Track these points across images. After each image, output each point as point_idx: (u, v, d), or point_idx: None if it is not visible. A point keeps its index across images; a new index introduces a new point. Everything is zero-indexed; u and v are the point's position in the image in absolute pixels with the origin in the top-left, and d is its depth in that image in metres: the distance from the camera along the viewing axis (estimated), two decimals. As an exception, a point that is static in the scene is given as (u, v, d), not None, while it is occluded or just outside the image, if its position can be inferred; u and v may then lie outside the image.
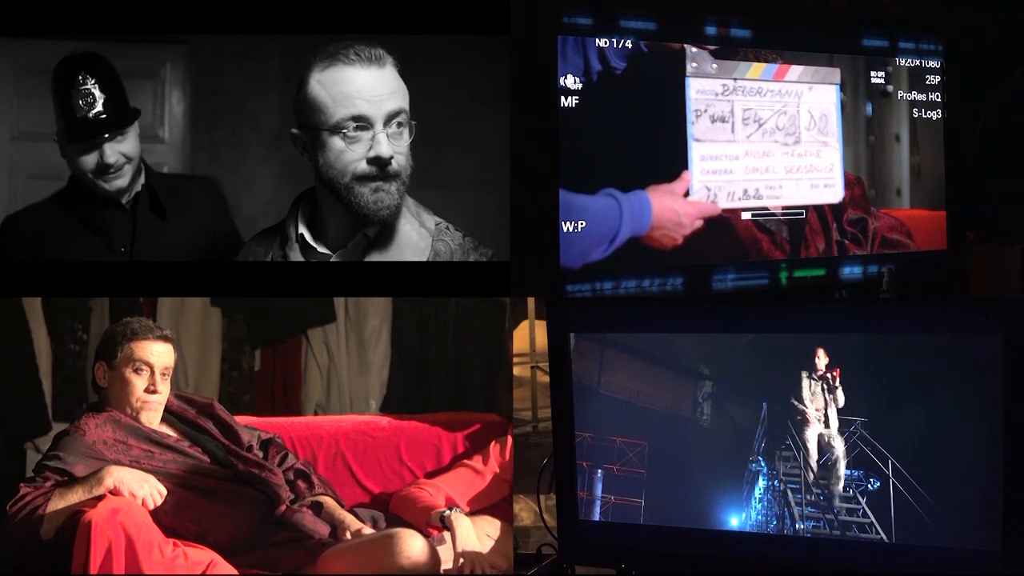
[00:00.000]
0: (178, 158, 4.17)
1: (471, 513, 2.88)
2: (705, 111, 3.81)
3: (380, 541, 2.52)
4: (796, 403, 2.43)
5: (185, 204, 2.96)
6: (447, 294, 2.96)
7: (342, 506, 2.82)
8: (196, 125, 4.26)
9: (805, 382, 2.41)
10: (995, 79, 4.26)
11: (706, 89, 3.80)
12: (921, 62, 4.36)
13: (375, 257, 2.53)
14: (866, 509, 2.38)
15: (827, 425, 2.42)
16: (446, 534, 2.70)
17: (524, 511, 3.18)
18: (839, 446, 2.40)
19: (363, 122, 2.41)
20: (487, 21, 3.06)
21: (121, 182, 2.83)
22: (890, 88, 4.28)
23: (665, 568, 2.59)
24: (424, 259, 2.54)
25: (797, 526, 2.44)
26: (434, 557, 2.50)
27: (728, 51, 3.86)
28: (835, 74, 4.13)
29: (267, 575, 2.59)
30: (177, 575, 2.42)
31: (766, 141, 3.96)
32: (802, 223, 4.05)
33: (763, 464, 2.46)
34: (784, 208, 4.00)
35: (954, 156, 4.41)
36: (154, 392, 2.69)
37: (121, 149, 2.80)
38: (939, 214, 4.43)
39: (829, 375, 2.41)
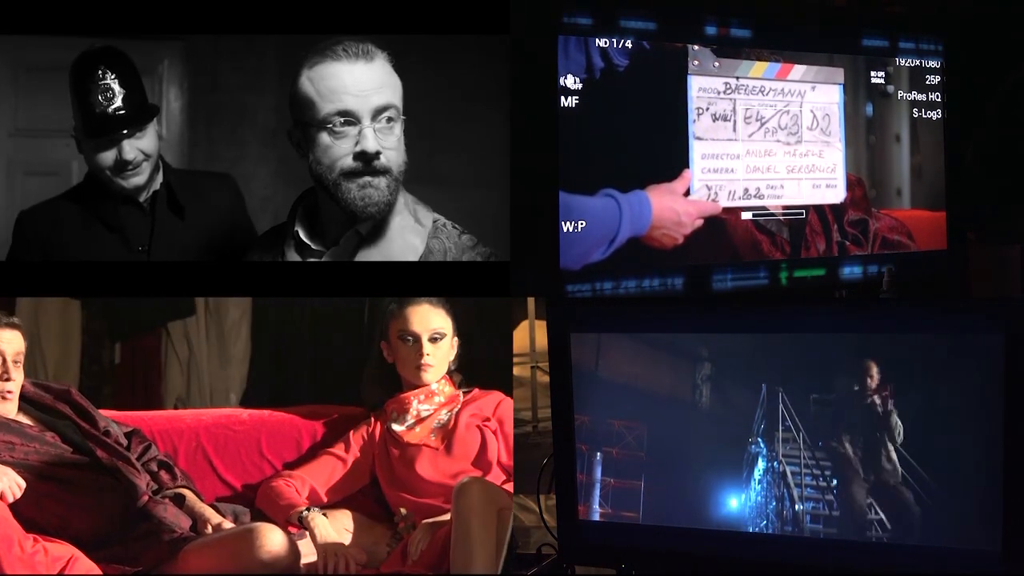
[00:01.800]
0: (175, 155, 4.17)
1: (330, 505, 2.92)
2: (707, 109, 3.80)
3: (240, 535, 2.54)
4: (836, 446, 2.41)
5: (203, 202, 2.95)
6: (447, 294, 2.95)
7: (202, 500, 2.83)
8: (193, 122, 4.26)
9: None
10: (995, 79, 4.25)
11: (708, 87, 3.80)
12: (921, 62, 4.36)
13: (367, 253, 2.53)
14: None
15: (888, 463, 2.39)
16: (306, 532, 2.73)
17: (524, 511, 3.18)
18: (911, 499, 2.37)
19: (349, 117, 2.41)
20: (487, 21, 3.06)
21: (139, 179, 2.82)
22: (890, 88, 4.28)
23: (665, 568, 2.60)
24: (417, 257, 2.54)
25: (797, 507, 2.44)
26: (293, 550, 2.52)
27: (730, 49, 3.86)
28: (838, 74, 4.13)
29: (128, 571, 2.58)
30: (37, 573, 2.41)
31: (768, 140, 3.95)
32: (803, 224, 4.04)
33: (762, 446, 2.47)
34: (785, 208, 3.99)
35: (954, 156, 4.40)
36: (8, 379, 2.68)
37: (140, 146, 2.79)
38: (939, 215, 4.42)
39: (878, 397, 2.39)
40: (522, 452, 3.09)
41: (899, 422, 2.35)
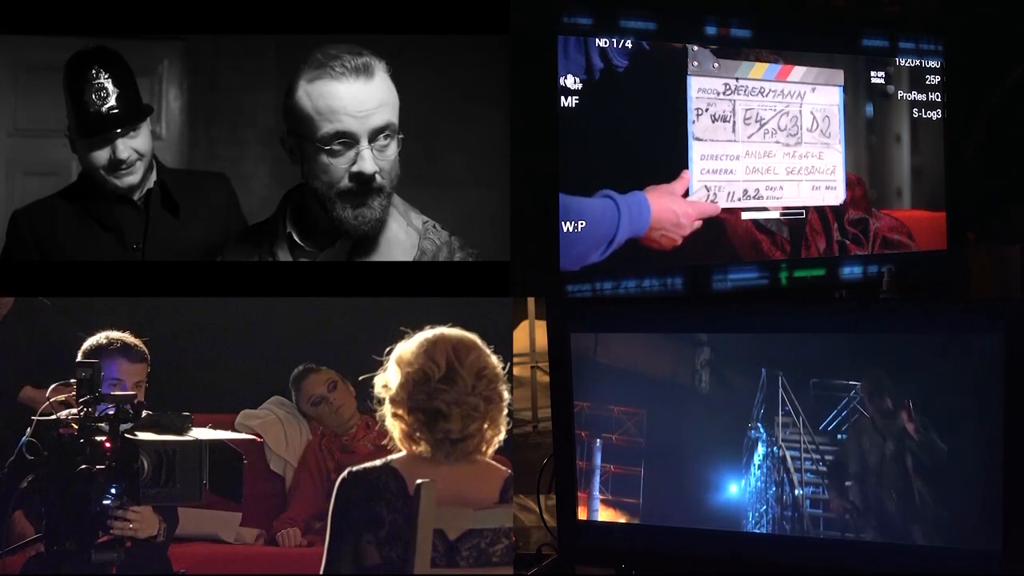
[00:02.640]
0: (175, 155, 4.16)
1: None
2: (706, 110, 3.80)
3: None
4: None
5: (197, 200, 2.95)
6: (447, 294, 2.95)
7: None
8: (193, 122, 4.25)
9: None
10: (995, 79, 4.26)
11: (708, 88, 3.80)
12: (921, 62, 4.36)
13: (362, 256, 2.53)
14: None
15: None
16: None
17: (524, 511, 3.17)
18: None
19: (347, 138, 2.40)
20: (487, 21, 3.05)
21: (133, 178, 2.82)
22: (890, 88, 4.28)
23: (665, 568, 2.60)
24: (411, 258, 2.53)
25: (796, 492, 2.44)
26: None
27: (730, 50, 3.85)
28: (838, 76, 4.13)
29: None
30: None
31: (767, 142, 3.95)
32: (803, 223, 4.04)
33: (762, 431, 2.46)
34: (784, 209, 3.99)
35: (954, 156, 4.40)
36: None
37: (133, 145, 2.79)
38: (939, 215, 4.42)
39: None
40: (522, 452, 3.10)
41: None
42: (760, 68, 3.92)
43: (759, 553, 2.49)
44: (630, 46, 3.60)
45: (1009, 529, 2.26)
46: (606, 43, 3.54)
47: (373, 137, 2.41)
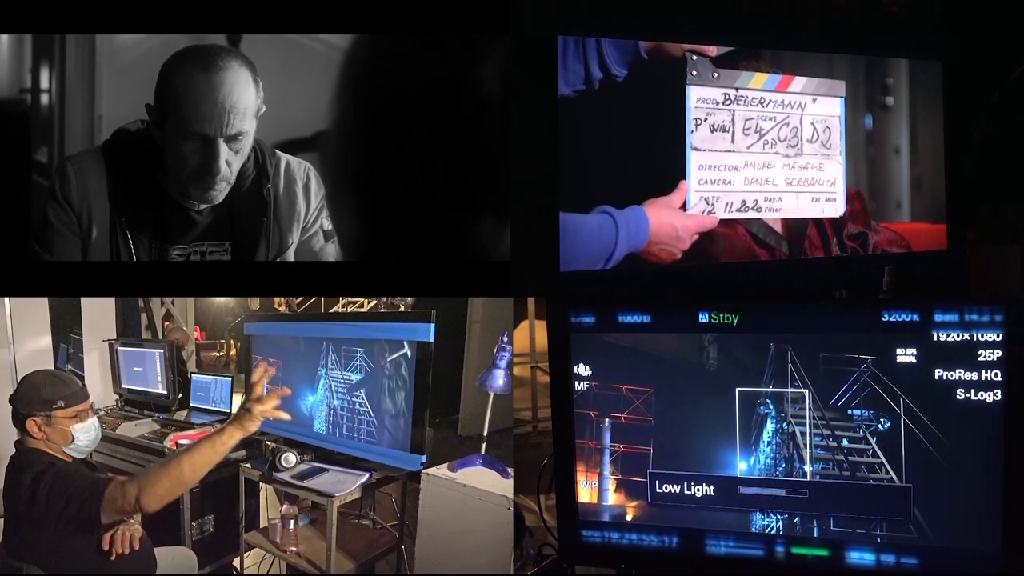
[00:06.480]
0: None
1: None
2: (705, 120, 3.80)
3: None
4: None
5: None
6: (447, 294, 2.96)
7: None
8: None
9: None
10: (994, 80, 4.25)
11: (707, 97, 3.80)
12: (920, 67, 4.36)
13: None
14: (876, 450, 2.38)
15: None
16: None
17: (524, 511, 3.17)
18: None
19: None
20: (487, 21, 3.06)
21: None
22: (889, 99, 4.28)
23: (665, 568, 2.59)
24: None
25: (806, 468, 2.44)
26: None
27: (730, 59, 3.86)
28: (839, 86, 4.13)
29: None
30: None
31: (767, 152, 3.95)
32: (802, 237, 4.04)
33: (771, 407, 2.46)
34: (783, 221, 3.99)
35: (954, 160, 4.39)
36: None
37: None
38: (939, 227, 4.42)
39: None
40: (522, 452, 3.09)
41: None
42: (760, 78, 3.93)
43: (759, 553, 2.48)
44: (629, 52, 3.60)
45: (1009, 529, 2.26)
46: (605, 52, 3.53)
47: None
